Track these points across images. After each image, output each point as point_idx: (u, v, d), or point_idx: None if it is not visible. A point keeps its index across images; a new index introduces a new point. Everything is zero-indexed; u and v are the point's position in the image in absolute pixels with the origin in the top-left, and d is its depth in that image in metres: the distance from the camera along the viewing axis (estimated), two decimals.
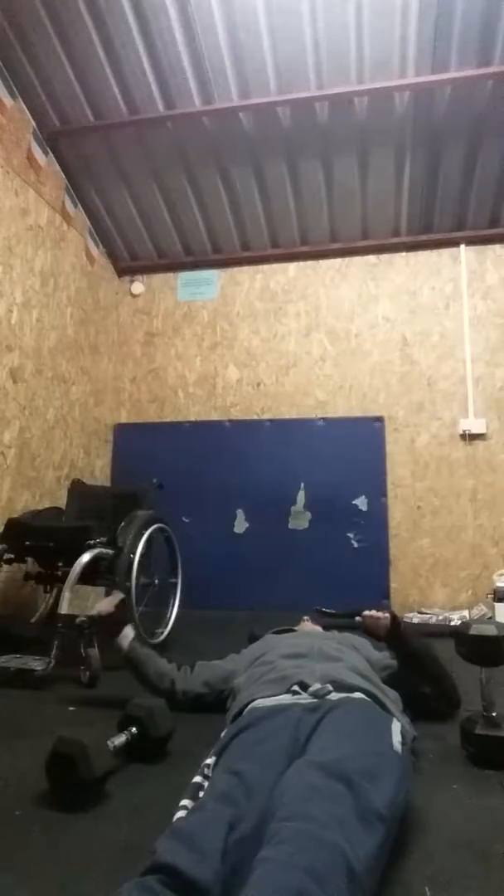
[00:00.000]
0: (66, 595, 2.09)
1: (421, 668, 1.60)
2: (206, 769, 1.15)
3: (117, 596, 1.88)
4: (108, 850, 1.01)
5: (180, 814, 1.01)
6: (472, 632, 1.39)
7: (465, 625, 1.43)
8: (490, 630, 1.39)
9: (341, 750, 0.98)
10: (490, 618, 2.84)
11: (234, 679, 1.58)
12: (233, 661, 1.73)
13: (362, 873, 0.75)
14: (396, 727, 1.16)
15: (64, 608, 2.06)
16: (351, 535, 3.41)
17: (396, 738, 1.12)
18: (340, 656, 1.47)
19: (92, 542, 2.26)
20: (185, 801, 1.05)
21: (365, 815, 0.84)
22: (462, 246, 3.55)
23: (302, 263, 3.76)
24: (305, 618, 2.07)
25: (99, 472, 3.66)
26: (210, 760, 1.16)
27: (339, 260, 3.71)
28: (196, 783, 1.12)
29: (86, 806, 1.15)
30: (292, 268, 3.78)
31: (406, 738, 1.18)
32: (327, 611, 2.93)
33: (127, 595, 2.25)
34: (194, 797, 1.06)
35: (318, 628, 1.98)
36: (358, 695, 1.29)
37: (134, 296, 3.96)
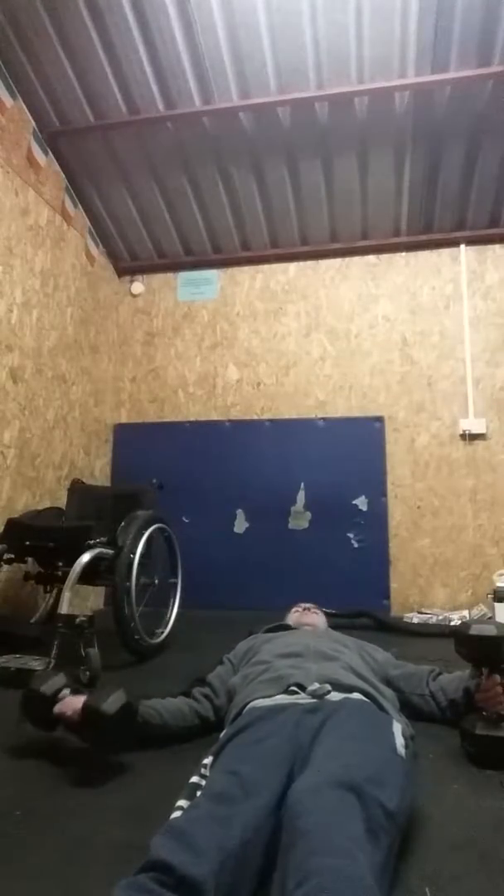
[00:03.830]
0: (66, 595, 2.09)
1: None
2: (203, 769, 1.15)
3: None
4: (108, 850, 1.01)
5: (176, 814, 1.00)
6: (472, 632, 1.39)
7: (465, 625, 1.43)
8: (490, 630, 1.39)
9: (348, 757, 0.97)
10: (490, 618, 2.84)
11: (230, 679, 1.56)
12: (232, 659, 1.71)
13: (376, 889, 0.75)
14: (397, 729, 1.16)
15: (64, 608, 2.06)
16: (351, 535, 3.41)
17: (399, 741, 1.11)
18: (336, 655, 1.46)
19: (92, 542, 2.26)
20: (181, 802, 1.05)
21: (372, 826, 0.83)
22: (462, 246, 3.55)
23: (302, 263, 3.76)
24: (296, 609, 2.03)
25: (99, 472, 3.66)
26: (207, 760, 1.16)
27: (339, 260, 3.71)
28: (193, 783, 1.11)
29: (85, 806, 1.15)
30: (292, 268, 3.78)
31: (407, 740, 1.18)
32: (328, 611, 2.95)
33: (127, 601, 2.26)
34: (191, 797, 1.06)
35: (316, 617, 1.95)
36: (356, 695, 1.28)
37: (134, 296, 3.96)
